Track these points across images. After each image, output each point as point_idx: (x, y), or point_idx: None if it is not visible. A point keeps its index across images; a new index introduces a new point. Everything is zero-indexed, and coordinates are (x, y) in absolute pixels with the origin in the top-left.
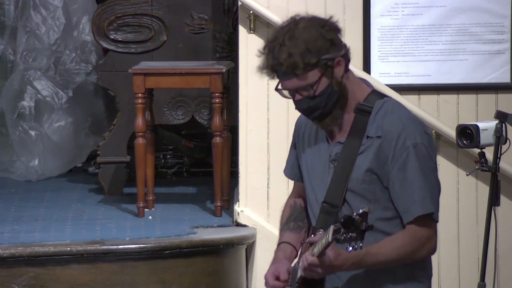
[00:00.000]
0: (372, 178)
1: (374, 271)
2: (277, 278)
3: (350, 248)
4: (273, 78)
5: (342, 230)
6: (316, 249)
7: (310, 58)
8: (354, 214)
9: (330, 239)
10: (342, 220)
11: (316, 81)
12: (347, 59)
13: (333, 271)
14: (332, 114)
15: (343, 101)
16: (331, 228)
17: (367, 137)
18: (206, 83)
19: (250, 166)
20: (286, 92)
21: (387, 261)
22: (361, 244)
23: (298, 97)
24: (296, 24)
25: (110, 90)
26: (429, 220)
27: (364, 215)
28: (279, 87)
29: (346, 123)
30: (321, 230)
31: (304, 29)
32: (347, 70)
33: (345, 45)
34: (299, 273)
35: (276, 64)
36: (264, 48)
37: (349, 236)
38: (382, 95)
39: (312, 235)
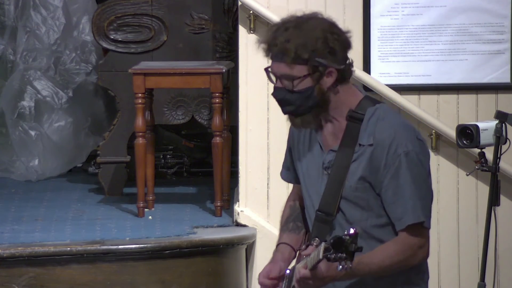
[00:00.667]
0: (365, 186)
1: (370, 278)
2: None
3: (340, 267)
4: (267, 56)
5: (332, 250)
6: (309, 263)
7: (303, 52)
8: (344, 234)
9: (321, 257)
10: (331, 241)
11: (299, 77)
12: (342, 73)
13: (326, 283)
14: (304, 116)
15: (320, 110)
16: (322, 245)
17: (360, 145)
18: (206, 83)
19: (250, 166)
20: (272, 76)
21: (380, 270)
22: (350, 265)
23: (278, 84)
24: (309, 18)
25: (110, 90)
26: (421, 228)
27: (354, 237)
28: (269, 68)
29: (338, 130)
30: (317, 238)
31: (313, 26)
32: (337, 84)
33: (348, 63)
34: (293, 282)
35: (272, 44)
36: (274, 25)
37: (338, 256)
38: (374, 101)
39: (306, 246)
